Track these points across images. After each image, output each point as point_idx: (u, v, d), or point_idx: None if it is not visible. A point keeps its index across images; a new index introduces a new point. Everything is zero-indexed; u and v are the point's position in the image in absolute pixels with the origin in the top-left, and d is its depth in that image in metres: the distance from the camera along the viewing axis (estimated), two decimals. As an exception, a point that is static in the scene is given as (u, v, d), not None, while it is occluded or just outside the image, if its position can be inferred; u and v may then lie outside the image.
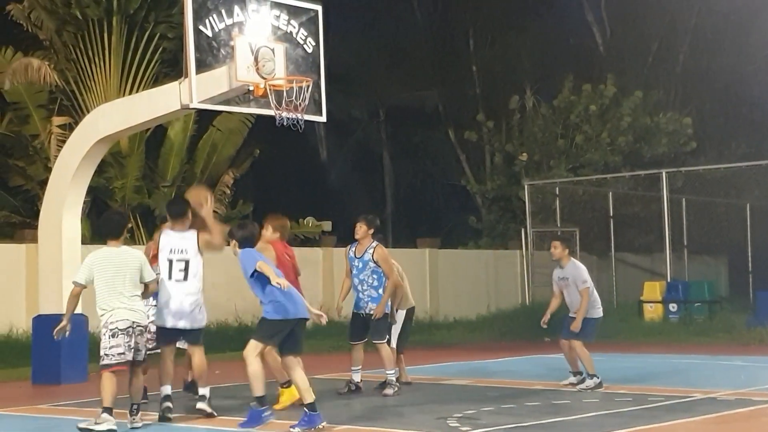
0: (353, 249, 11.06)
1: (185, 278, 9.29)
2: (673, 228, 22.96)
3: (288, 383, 9.67)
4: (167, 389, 9.27)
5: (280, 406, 9.73)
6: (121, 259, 8.89)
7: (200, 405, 9.36)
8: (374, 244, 10.98)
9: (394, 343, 11.32)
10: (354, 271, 11.02)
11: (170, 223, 9.54)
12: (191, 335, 9.52)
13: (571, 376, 11.44)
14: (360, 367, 11.22)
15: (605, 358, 14.74)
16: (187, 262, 9.29)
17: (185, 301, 9.30)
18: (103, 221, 9.39)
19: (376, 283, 10.92)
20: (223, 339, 15.94)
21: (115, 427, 8.60)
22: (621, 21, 30.72)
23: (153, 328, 9.46)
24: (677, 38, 30.54)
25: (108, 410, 8.64)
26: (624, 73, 28.72)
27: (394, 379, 10.93)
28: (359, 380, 11.21)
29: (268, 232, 10.27)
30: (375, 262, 10.88)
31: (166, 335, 9.43)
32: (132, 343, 8.79)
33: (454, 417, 9.00)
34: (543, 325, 11.25)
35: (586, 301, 11.02)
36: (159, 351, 9.51)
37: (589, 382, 11.10)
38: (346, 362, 11.68)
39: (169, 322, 9.34)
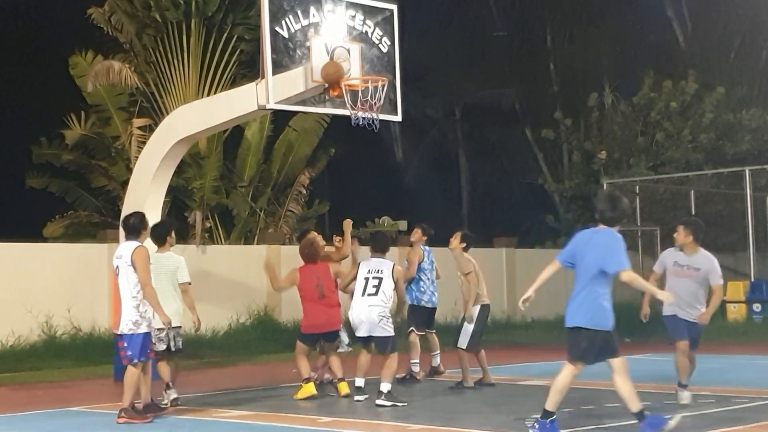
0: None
1: (376, 293, 10.43)
2: (757, 227, 22.51)
3: (308, 379, 10.72)
4: (361, 381, 10.52)
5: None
6: (161, 263, 9.97)
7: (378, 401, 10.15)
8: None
9: (464, 344, 11.40)
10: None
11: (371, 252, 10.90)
12: (380, 342, 10.43)
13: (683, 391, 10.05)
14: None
15: (687, 360, 14.44)
16: (380, 280, 10.46)
17: (372, 312, 10.37)
18: (150, 231, 9.93)
19: None
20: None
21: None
22: (702, 16, 30.14)
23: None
24: (761, 33, 29.84)
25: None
26: (706, 69, 28.17)
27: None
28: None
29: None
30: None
31: (358, 341, 10.66)
32: (156, 337, 9.83)
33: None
34: (644, 319, 10.51)
35: (719, 297, 10.38)
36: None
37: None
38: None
39: (362, 331, 10.43)
